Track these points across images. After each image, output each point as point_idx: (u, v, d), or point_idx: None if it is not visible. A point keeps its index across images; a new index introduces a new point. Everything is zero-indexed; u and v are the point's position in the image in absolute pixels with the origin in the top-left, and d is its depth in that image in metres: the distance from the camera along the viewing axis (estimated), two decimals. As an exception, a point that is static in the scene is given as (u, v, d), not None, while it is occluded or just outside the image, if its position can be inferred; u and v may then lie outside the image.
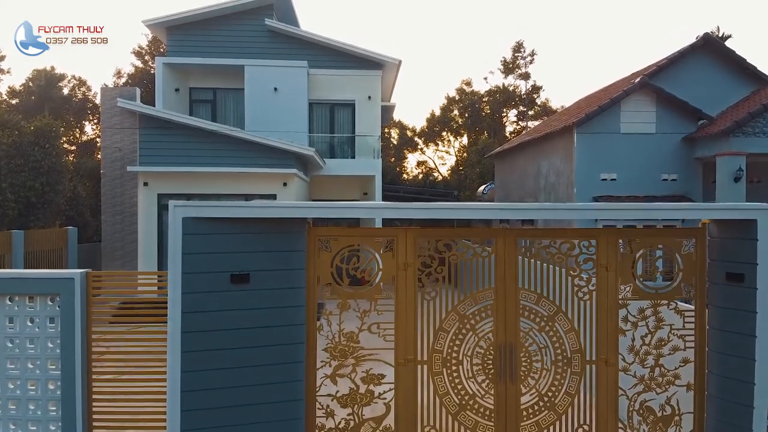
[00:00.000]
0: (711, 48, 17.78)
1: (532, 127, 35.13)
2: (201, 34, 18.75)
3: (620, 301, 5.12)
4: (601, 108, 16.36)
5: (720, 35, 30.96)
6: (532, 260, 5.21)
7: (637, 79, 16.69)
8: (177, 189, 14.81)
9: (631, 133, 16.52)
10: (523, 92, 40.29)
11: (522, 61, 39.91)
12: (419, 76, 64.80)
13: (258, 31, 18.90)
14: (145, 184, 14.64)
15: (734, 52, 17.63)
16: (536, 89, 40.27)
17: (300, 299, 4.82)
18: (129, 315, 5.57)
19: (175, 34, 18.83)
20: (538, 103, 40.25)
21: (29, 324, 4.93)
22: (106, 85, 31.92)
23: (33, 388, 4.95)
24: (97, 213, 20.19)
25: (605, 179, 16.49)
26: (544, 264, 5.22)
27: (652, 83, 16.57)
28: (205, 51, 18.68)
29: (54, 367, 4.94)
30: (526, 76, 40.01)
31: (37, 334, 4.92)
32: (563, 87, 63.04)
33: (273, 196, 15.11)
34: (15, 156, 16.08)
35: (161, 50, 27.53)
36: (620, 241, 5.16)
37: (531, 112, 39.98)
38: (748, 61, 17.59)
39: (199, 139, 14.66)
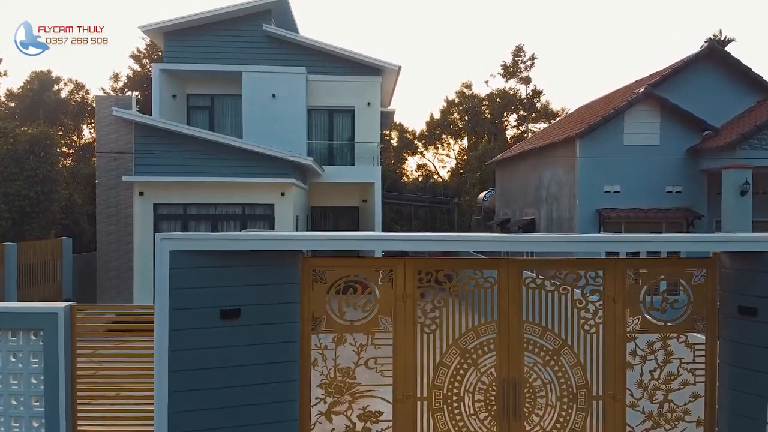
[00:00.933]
0: (715, 57, 17.55)
1: (534, 131, 34.96)
2: (198, 40, 18.52)
3: (628, 334, 4.94)
4: (605, 119, 16.13)
5: (722, 39, 30.73)
6: (537, 291, 5.01)
7: (641, 90, 16.45)
8: (173, 199, 14.62)
9: (635, 144, 16.26)
10: (523, 96, 40.10)
11: (522, 65, 39.72)
12: (419, 79, 64.69)
13: (256, 36, 18.66)
14: (141, 193, 14.44)
15: (740, 61, 17.39)
16: (537, 93, 40.09)
17: (293, 334, 4.62)
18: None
19: (173, 39, 18.61)
20: (539, 107, 40.05)
21: (12, 359, 4.73)
22: (104, 90, 31.75)
23: (17, 426, 4.75)
24: (94, 220, 19.95)
25: (609, 191, 16.25)
26: (549, 295, 5.02)
27: (656, 93, 16.33)
28: (202, 57, 18.44)
29: (38, 403, 4.73)
30: (526, 80, 39.82)
31: (20, 370, 4.72)
32: (564, 88, 63.02)
33: (271, 206, 14.91)
34: (9, 164, 15.85)
35: (159, 54, 27.31)
36: (628, 271, 4.96)
37: (533, 115, 39.79)
38: (753, 70, 17.37)
39: (195, 148, 14.46)
